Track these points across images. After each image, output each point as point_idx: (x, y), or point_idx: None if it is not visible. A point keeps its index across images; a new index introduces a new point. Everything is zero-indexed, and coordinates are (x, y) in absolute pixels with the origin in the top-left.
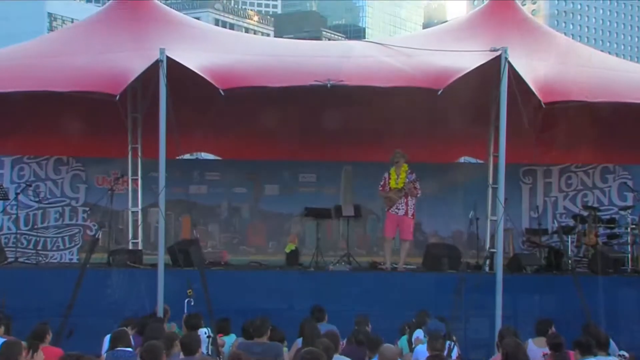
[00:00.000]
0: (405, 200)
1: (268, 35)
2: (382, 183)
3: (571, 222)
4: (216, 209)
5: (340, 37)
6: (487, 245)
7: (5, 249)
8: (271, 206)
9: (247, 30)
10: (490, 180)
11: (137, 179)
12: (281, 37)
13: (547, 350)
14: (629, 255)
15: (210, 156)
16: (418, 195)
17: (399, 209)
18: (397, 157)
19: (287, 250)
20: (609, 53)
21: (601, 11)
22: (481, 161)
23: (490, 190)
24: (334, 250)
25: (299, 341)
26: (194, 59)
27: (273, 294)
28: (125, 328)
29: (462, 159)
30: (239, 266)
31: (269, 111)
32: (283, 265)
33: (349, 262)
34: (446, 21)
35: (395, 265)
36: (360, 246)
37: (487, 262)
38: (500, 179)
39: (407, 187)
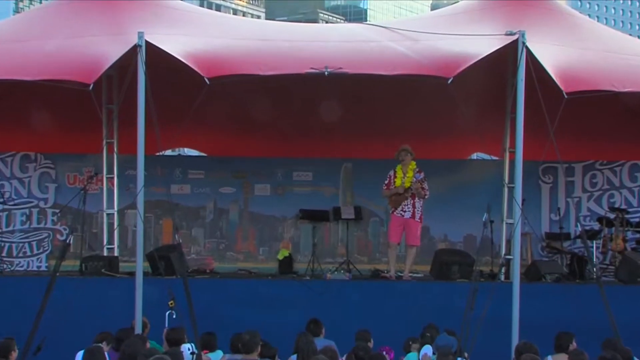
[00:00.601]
0: (412, 201)
1: (259, 17)
2: (386, 182)
3: (596, 226)
4: (201, 211)
5: (339, 20)
6: (503, 252)
7: None
8: (262, 208)
9: (235, 12)
10: (506, 179)
11: (112, 178)
12: (273, 19)
13: None
14: None
15: (195, 152)
16: (426, 197)
17: (404, 211)
18: (404, 154)
19: (280, 257)
20: (639, 37)
21: None
22: (496, 158)
23: (505, 190)
24: (332, 257)
25: (294, 358)
26: (176, 44)
27: (264, 305)
28: (99, 344)
29: (474, 156)
30: (226, 274)
31: (260, 102)
32: (275, 273)
33: (348, 270)
34: (457, 2)
35: (400, 274)
36: (362, 252)
37: (503, 270)
38: (517, 177)
39: (415, 187)
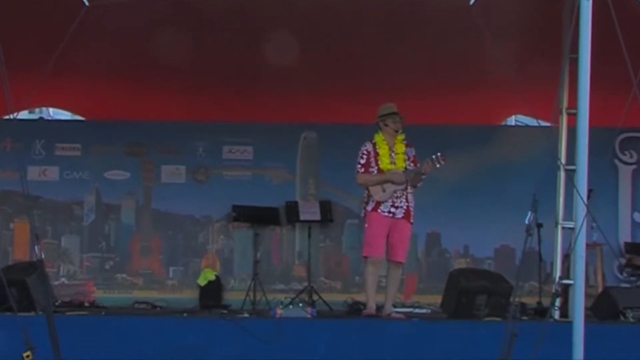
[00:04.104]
0: (404, 192)
1: None
2: (362, 162)
3: None
4: (75, 208)
5: None
6: (557, 274)
7: None
8: (173, 203)
9: None
10: (563, 158)
11: None
12: None
13: None
14: None
15: (66, 114)
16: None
17: (397, 208)
18: (400, 120)
19: (202, 283)
20: None
21: None
22: (546, 124)
23: (562, 175)
24: (285, 282)
25: None
26: None
27: (177, 358)
28: None
29: (512, 120)
30: (116, 310)
31: (170, 36)
32: (195, 308)
33: (311, 303)
34: None
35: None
36: (332, 275)
37: (557, 302)
38: (581, 155)
39: (425, 169)
